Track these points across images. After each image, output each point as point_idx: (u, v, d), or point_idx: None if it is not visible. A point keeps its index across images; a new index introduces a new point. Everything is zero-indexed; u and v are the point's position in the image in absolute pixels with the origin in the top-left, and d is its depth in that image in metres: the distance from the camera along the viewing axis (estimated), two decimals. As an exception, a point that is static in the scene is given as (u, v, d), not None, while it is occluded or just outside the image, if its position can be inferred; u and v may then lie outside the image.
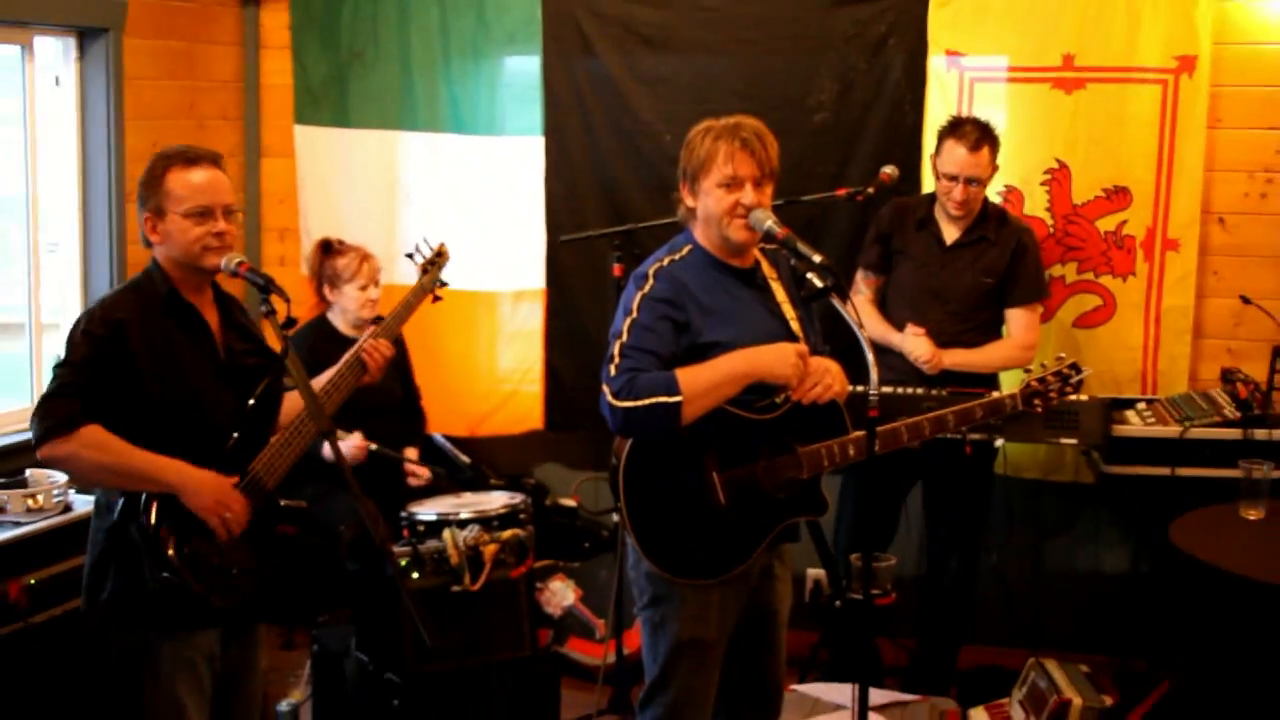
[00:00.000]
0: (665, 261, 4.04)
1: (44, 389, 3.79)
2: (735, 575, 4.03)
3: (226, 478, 3.83)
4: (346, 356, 4.23)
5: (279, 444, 3.95)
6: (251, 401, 3.90)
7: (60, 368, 3.77)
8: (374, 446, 5.53)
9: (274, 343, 3.99)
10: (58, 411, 3.71)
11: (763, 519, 4.04)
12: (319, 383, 4.12)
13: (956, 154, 5.44)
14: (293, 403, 4.05)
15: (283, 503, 4.00)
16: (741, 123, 3.97)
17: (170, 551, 3.74)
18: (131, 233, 5.74)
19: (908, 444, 4.35)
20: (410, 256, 4.87)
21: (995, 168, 5.55)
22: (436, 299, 4.87)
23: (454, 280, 6.48)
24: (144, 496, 3.73)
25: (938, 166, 5.55)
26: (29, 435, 3.77)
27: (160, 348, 3.80)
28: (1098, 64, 5.92)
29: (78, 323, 3.82)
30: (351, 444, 5.52)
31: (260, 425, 3.96)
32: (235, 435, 3.87)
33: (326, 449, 5.49)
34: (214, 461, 3.82)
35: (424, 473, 5.85)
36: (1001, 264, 5.57)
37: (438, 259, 4.79)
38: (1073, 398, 5.05)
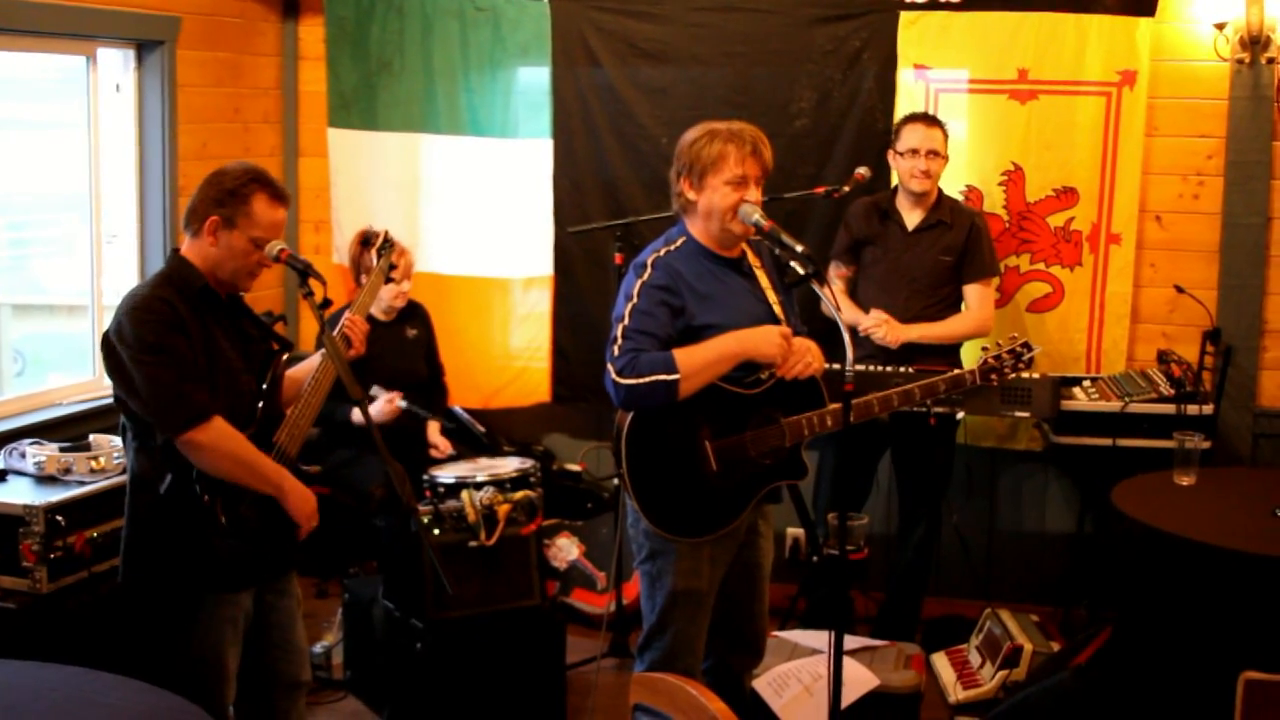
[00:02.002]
0: (662, 252, 4.04)
1: (142, 379, 3.61)
2: (725, 533, 4.04)
3: (308, 488, 3.84)
4: (333, 333, 3.97)
5: (294, 416, 3.88)
6: (265, 385, 3.84)
7: (152, 355, 3.60)
8: (404, 404, 5.51)
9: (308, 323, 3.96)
10: (192, 402, 3.60)
11: (750, 483, 4.04)
12: (316, 359, 4.00)
13: (916, 131, 5.53)
14: (291, 379, 3.99)
15: (303, 468, 3.96)
16: (745, 128, 3.99)
17: (222, 520, 3.71)
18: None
19: (878, 415, 4.35)
20: (367, 244, 4.75)
21: (947, 157, 5.61)
22: (389, 280, 4.91)
23: (472, 268, 6.57)
24: (194, 472, 3.67)
25: (898, 148, 5.59)
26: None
27: (201, 334, 3.71)
28: (1049, 77, 5.92)
29: (137, 311, 3.65)
30: (384, 399, 5.52)
31: (275, 401, 3.90)
32: (259, 412, 3.82)
33: (357, 414, 5.54)
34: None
35: (446, 448, 5.84)
36: (959, 243, 5.60)
37: (385, 244, 4.53)
38: (1026, 375, 5.07)
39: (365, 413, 3.82)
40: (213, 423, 3.63)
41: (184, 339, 3.65)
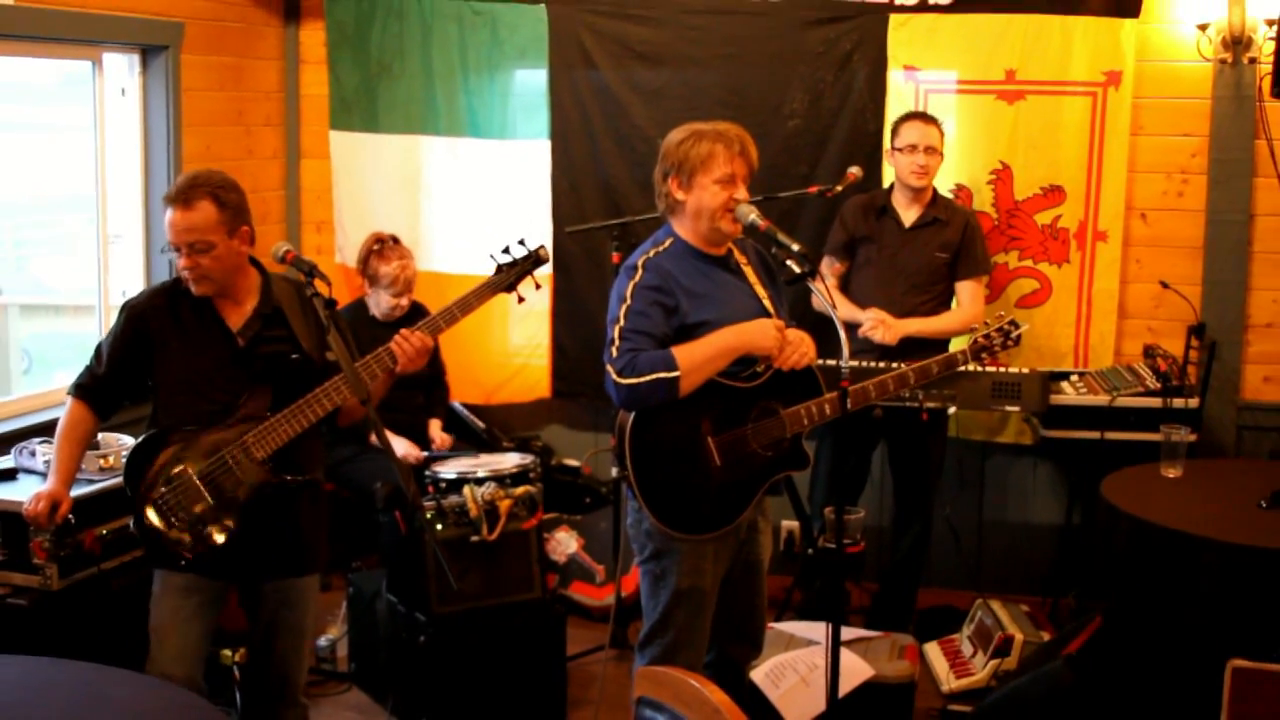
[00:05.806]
0: (651, 253, 4.01)
1: None
2: (730, 529, 4.03)
3: (53, 491, 4.00)
4: (379, 350, 3.95)
5: (278, 419, 3.83)
6: (255, 383, 3.88)
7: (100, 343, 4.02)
8: (424, 455, 5.66)
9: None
10: (80, 375, 4.04)
11: (754, 476, 4.02)
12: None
13: (914, 128, 5.56)
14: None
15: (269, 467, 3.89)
16: (730, 128, 3.98)
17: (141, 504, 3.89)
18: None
19: (875, 401, 4.34)
20: (494, 257, 4.20)
21: (943, 155, 5.63)
22: (521, 299, 4.25)
23: (472, 266, 6.52)
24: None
25: (896, 144, 5.61)
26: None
27: (170, 335, 3.90)
28: (1036, 78, 5.91)
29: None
30: (408, 448, 5.64)
31: (273, 401, 3.88)
32: (238, 411, 3.86)
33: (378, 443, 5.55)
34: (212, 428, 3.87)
35: (446, 443, 5.83)
36: (955, 240, 5.62)
37: (524, 261, 4.18)
38: (1015, 370, 5.09)
39: (373, 414, 3.77)
40: (71, 402, 4.03)
41: (137, 340, 3.94)
